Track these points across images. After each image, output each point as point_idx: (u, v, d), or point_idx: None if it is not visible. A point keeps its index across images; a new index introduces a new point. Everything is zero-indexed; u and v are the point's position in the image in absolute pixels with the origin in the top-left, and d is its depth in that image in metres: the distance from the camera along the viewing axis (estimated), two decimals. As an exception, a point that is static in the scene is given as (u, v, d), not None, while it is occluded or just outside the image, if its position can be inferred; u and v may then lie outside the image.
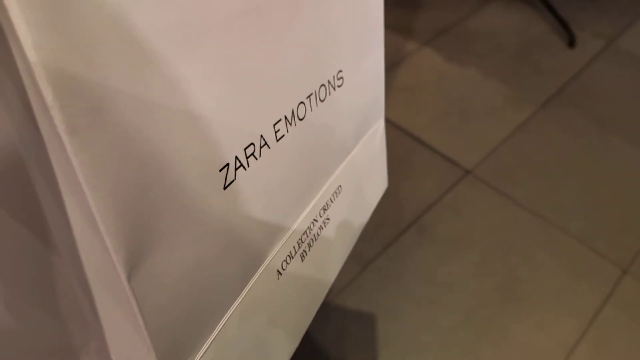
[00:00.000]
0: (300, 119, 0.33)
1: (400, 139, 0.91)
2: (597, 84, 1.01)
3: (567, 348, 0.65)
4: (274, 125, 0.31)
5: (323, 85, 0.35)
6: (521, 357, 0.64)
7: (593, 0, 1.19)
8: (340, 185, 0.41)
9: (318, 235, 0.39)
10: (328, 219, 0.40)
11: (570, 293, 0.70)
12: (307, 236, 0.37)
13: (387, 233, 0.77)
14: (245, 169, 0.28)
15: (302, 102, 0.33)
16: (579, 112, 0.95)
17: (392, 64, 1.04)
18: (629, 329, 0.66)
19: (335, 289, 0.69)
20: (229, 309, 0.30)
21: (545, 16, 1.15)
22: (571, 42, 1.08)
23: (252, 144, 0.29)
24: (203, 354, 0.28)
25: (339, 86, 0.37)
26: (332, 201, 0.40)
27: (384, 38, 0.41)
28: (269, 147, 0.30)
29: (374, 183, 0.49)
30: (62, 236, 0.22)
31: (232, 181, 0.28)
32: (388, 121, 0.94)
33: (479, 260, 0.74)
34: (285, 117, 0.31)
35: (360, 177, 0.44)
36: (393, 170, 0.86)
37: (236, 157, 0.28)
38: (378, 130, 0.46)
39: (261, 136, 0.29)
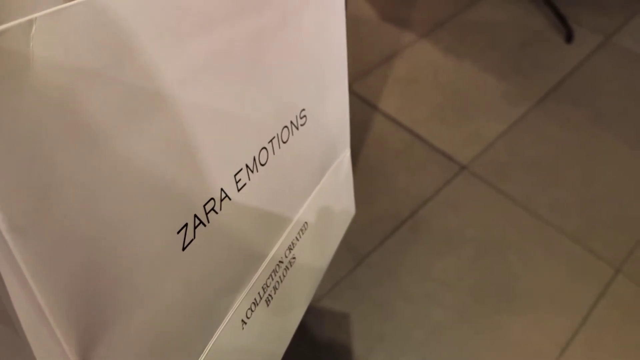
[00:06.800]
0: (262, 164, 0.31)
1: (396, 132, 0.91)
2: (594, 80, 1.01)
3: (560, 346, 0.65)
4: (235, 175, 0.29)
5: (286, 127, 0.33)
6: (515, 354, 0.64)
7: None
8: (306, 222, 0.39)
9: (284, 276, 0.37)
10: (294, 258, 0.38)
11: (564, 291, 0.70)
12: (273, 279, 0.35)
13: (383, 228, 0.76)
14: (205, 225, 0.27)
15: (264, 148, 0.31)
16: (575, 108, 0.95)
17: (389, 55, 1.03)
18: (621, 328, 0.67)
19: (330, 283, 0.69)
20: None
21: (544, 11, 1.14)
22: (569, 38, 1.08)
23: (212, 199, 0.27)
24: None
25: (302, 125, 0.35)
26: (297, 239, 0.38)
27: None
28: (229, 199, 0.29)
29: (341, 212, 0.47)
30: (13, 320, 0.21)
31: (192, 240, 0.26)
32: (384, 114, 0.93)
33: (473, 256, 0.74)
34: (247, 166, 0.30)
35: (326, 210, 0.43)
36: (389, 164, 0.85)
37: (195, 216, 0.26)
38: (344, 160, 0.44)
39: (221, 189, 0.28)
